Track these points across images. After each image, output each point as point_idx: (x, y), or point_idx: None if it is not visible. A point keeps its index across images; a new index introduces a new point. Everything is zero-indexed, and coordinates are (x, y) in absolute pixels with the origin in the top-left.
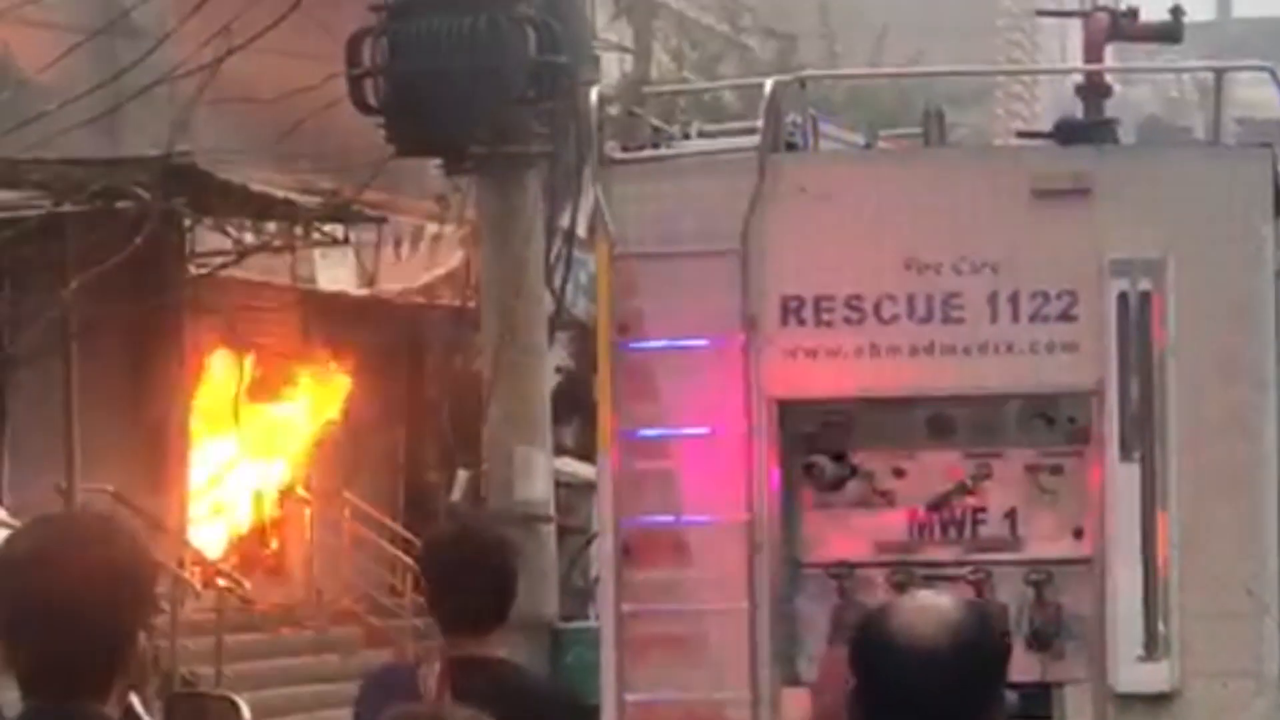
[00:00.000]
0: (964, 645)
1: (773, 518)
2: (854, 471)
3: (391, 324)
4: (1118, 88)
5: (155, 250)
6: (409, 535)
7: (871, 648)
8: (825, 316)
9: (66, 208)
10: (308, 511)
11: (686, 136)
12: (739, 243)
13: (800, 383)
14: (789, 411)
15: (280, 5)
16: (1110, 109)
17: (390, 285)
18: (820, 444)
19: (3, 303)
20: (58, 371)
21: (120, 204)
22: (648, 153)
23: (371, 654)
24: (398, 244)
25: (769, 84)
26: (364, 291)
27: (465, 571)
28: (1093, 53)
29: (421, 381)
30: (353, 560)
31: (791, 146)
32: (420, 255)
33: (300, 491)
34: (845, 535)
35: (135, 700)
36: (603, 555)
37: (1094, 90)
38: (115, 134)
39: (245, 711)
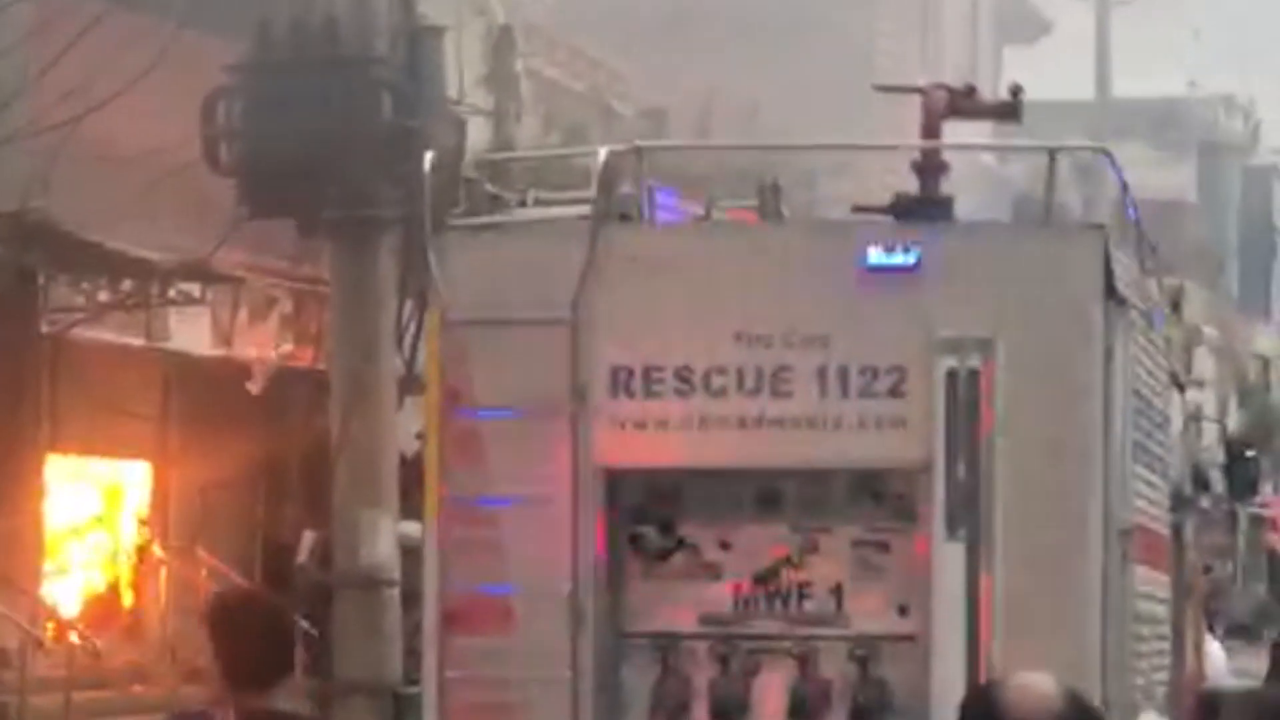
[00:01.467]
0: None
1: (597, 587)
2: (680, 543)
3: (265, 383)
4: (993, 166)
5: (8, 306)
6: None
7: None
8: (654, 387)
9: None
10: (163, 570)
11: (523, 204)
12: (569, 312)
13: (628, 453)
14: (616, 481)
15: (141, 63)
16: (984, 186)
17: (248, 346)
18: (647, 514)
19: None
20: None
21: None
22: (482, 219)
23: None
24: (254, 305)
25: (602, 153)
26: (220, 352)
27: (246, 630)
28: (930, 129)
29: (280, 443)
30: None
31: (626, 217)
32: (280, 316)
33: (156, 550)
34: (670, 606)
35: None
36: (427, 621)
37: (930, 168)
38: None
39: None
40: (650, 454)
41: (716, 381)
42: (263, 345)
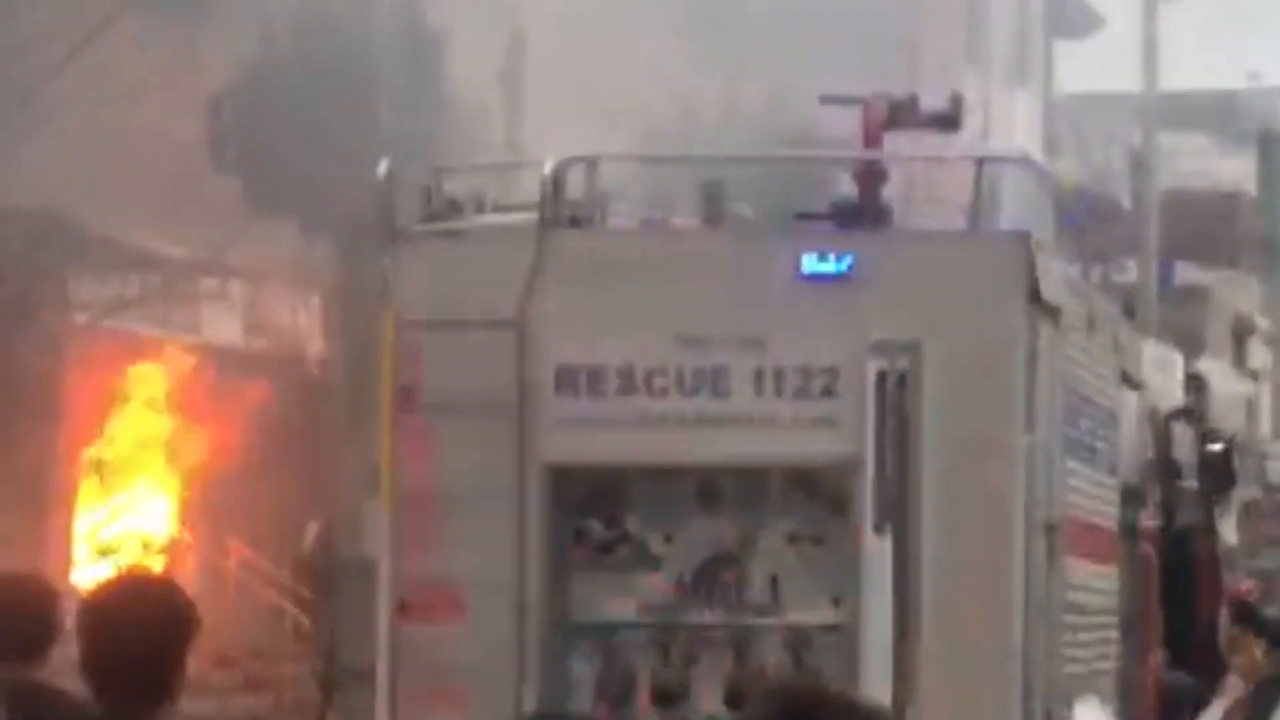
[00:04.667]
0: None
1: (542, 579)
2: (624, 536)
3: (280, 375)
4: (1043, 159)
5: (30, 303)
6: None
7: None
8: (598, 386)
9: None
10: (193, 557)
11: (481, 209)
12: (516, 314)
13: (573, 450)
14: (561, 477)
15: (153, 63)
16: (1043, 186)
17: (274, 338)
18: (592, 509)
19: None
20: None
21: None
22: (434, 225)
23: (250, 699)
24: (284, 300)
25: (549, 164)
26: (247, 344)
27: (10, 606)
28: (871, 138)
29: (314, 432)
30: (236, 605)
31: (578, 222)
32: (306, 310)
33: (185, 538)
34: (614, 597)
35: None
36: (380, 610)
37: (870, 176)
38: None
39: None
40: (594, 451)
41: (658, 381)
42: (296, 340)
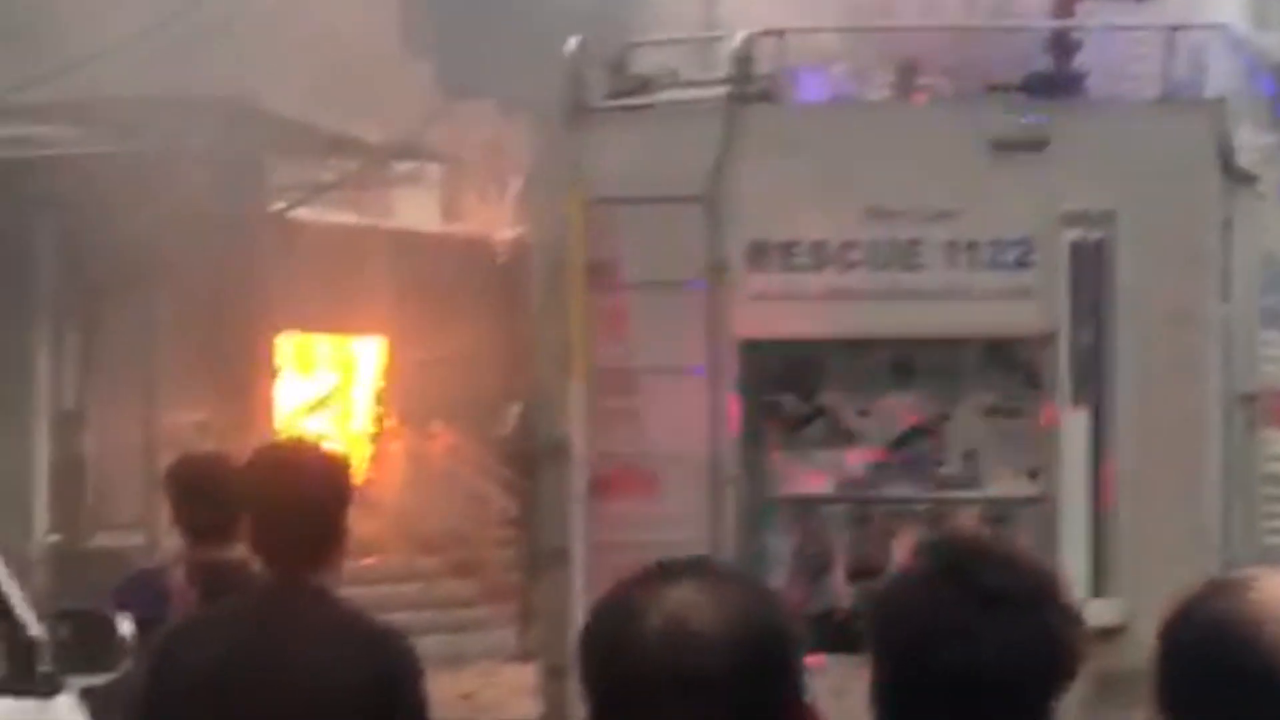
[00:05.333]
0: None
1: (737, 454)
2: (819, 411)
3: (477, 258)
4: (1250, 31)
5: (232, 188)
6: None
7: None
8: (791, 261)
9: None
10: (398, 444)
11: (671, 85)
12: (706, 189)
13: (766, 324)
14: (755, 352)
15: None
16: (1239, 56)
17: (470, 222)
18: (786, 384)
19: (87, 235)
20: (142, 304)
21: (192, 142)
22: (624, 101)
23: (455, 584)
24: (483, 185)
25: (738, 37)
26: (447, 228)
27: (200, 488)
28: (1063, 7)
29: (512, 314)
30: (442, 492)
31: (767, 98)
32: (507, 191)
33: (391, 424)
34: (809, 472)
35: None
36: (574, 488)
37: (1062, 45)
38: (185, 73)
39: (124, 629)
40: (786, 325)
41: (850, 255)
42: (494, 223)
